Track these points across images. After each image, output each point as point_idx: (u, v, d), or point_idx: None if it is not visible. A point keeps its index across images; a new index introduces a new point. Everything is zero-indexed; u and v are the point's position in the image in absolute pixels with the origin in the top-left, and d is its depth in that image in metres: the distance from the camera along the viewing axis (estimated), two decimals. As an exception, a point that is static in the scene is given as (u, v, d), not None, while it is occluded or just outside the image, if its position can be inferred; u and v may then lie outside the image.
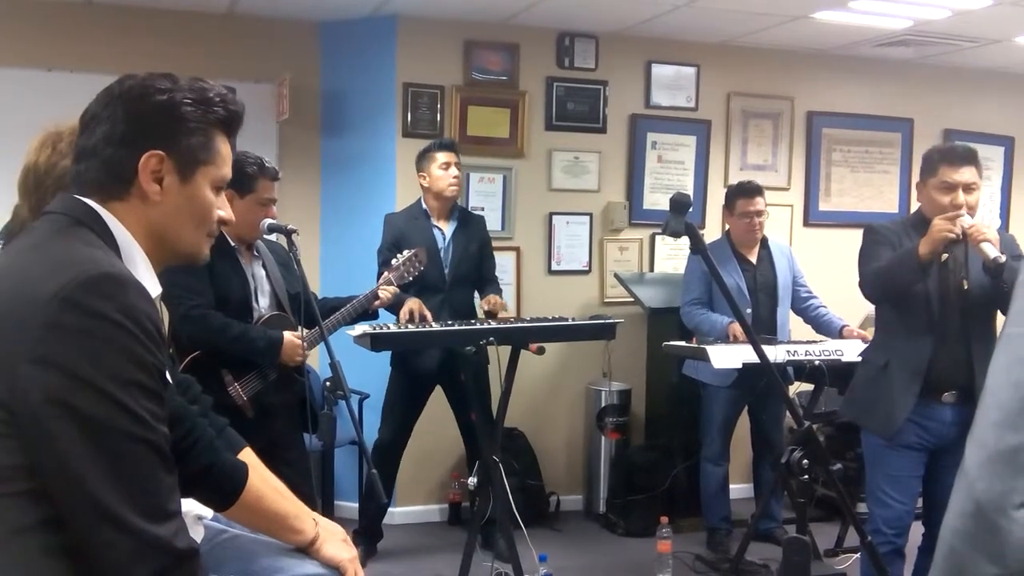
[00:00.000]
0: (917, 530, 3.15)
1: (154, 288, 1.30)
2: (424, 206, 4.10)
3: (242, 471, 1.61)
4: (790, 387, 4.04)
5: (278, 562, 1.67)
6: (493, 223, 4.62)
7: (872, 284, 3.08)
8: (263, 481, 1.66)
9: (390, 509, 4.30)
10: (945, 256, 2.92)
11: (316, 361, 4.04)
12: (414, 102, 4.63)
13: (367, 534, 4.03)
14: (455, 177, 4.02)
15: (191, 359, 2.96)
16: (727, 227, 4.37)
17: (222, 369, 3.01)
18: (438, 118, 4.67)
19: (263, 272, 3.21)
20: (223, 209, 1.39)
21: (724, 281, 2.99)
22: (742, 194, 4.23)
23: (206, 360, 2.97)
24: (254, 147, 4.19)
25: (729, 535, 4.30)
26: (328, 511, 3.02)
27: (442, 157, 3.99)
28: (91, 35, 4.54)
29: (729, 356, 3.68)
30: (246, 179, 3.01)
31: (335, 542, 1.71)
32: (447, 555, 3.95)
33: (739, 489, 4.77)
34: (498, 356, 3.44)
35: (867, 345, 3.49)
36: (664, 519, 4.00)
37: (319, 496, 3.84)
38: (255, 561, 1.65)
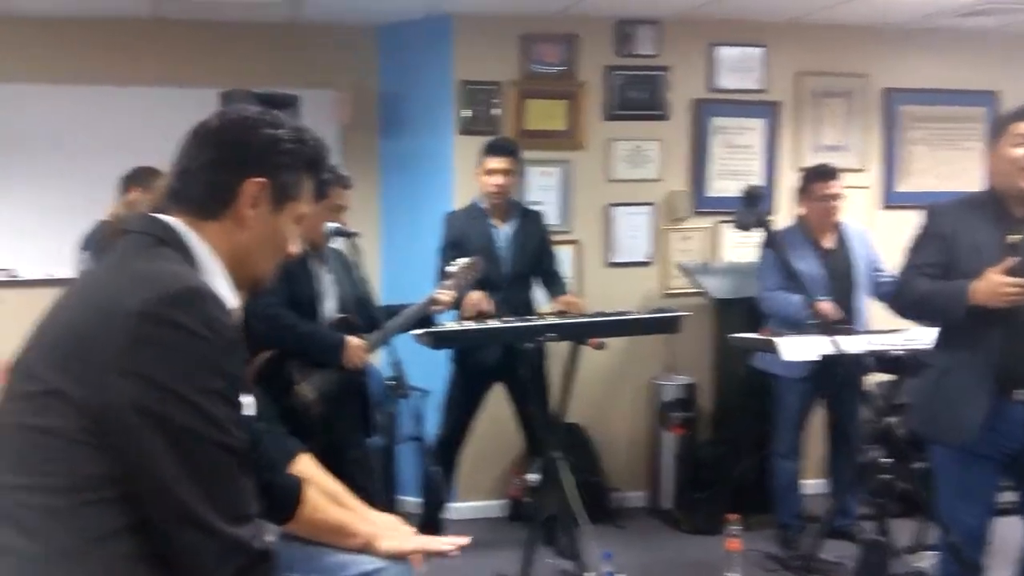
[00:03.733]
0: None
1: (232, 300, 1.43)
2: (481, 204, 4.34)
3: (297, 489, 1.75)
4: (868, 377, 4.06)
5: (342, 559, 1.86)
6: (552, 217, 4.80)
7: (905, 303, 2.97)
8: (318, 493, 1.82)
9: (450, 504, 4.54)
10: (1017, 237, 2.76)
11: (378, 359, 4.31)
12: (471, 99, 4.86)
13: (428, 529, 4.26)
14: (497, 185, 4.20)
15: (261, 358, 3.26)
16: (801, 212, 4.38)
17: (290, 368, 3.32)
18: (495, 114, 4.89)
19: (329, 276, 3.50)
20: (296, 243, 1.60)
21: (798, 269, 2.90)
22: (818, 177, 4.28)
23: (275, 359, 3.29)
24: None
25: (801, 532, 4.31)
26: (391, 507, 3.28)
27: (490, 163, 4.20)
28: (160, 50, 4.97)
29: (800, 348, 3.61)
30: (321, 185, 3.29)
31: (389, 536, 1.85)
32: (508, 551, 4.02)
33: (812, 485, 4.81)
34: (559, 351, 3.58)
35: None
36: (733, 516, 3.90)
37: (385, 493, 4.11)
38: (320, 560, 1.85)
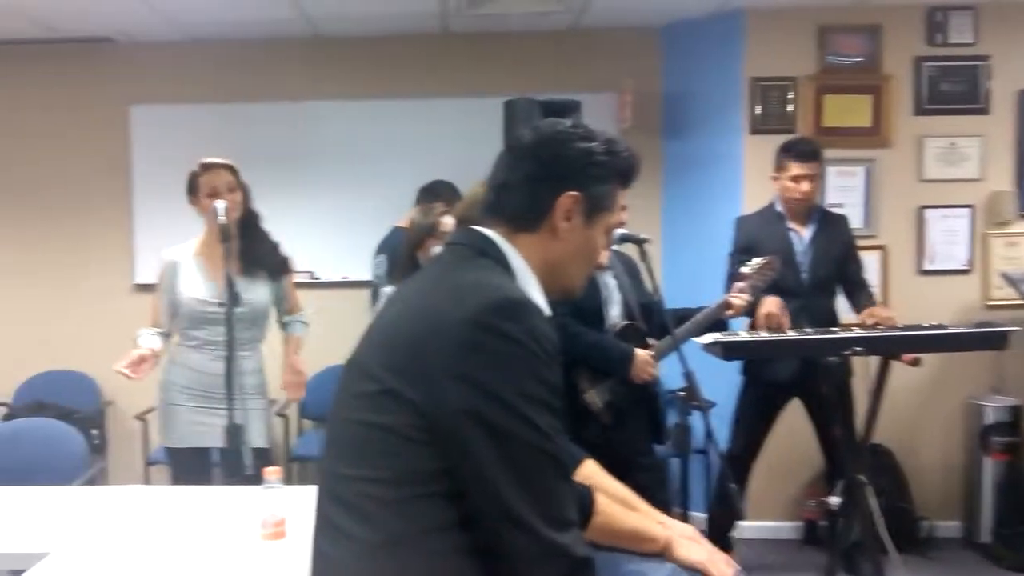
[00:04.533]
0: None
1: (546, 309, 1.48)
2: (778, 208, 4.13)
3: (589, 498, 1.73)
4: None
5: (640, 567, 1.85)
6: (854, 220, 4.53)
7: None
8: (608, 501, 1.81)
9: (739, 523, 4.37)
10: None
11: (666, 369, 4.24)
12: (763, 96, 4.70)
13: (716, 545, 4.14)
14: (804, 192, 3.98)
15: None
16: None
17: (578, 375, 3.30)
18: (789, 111, 4.70)
19: (613, 281, 3.46)
20: (605, 258, 1.62)
21: None
22: None
23: (563, 366, 3.27)
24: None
25: None
26: (685, 520, 3.19)
27: (796, 168, 3.97)
28: (447, 63, 5.23)
29: None
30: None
31: (687, 543, 1.86)
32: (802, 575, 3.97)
33: None
34: (867, 366, 3.38)
35: None
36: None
37: (677, 505, 4.03)
38: (620, 567, 1.83)
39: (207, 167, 3.36)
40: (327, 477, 1.45)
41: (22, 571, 2.31)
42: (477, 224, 1.62)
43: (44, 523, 2.49)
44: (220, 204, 3.17)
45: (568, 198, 1.51)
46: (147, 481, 4.86)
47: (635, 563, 1.87)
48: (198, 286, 3.39)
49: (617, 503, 1.96)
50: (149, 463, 4.84)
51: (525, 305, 1.36)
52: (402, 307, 1.47)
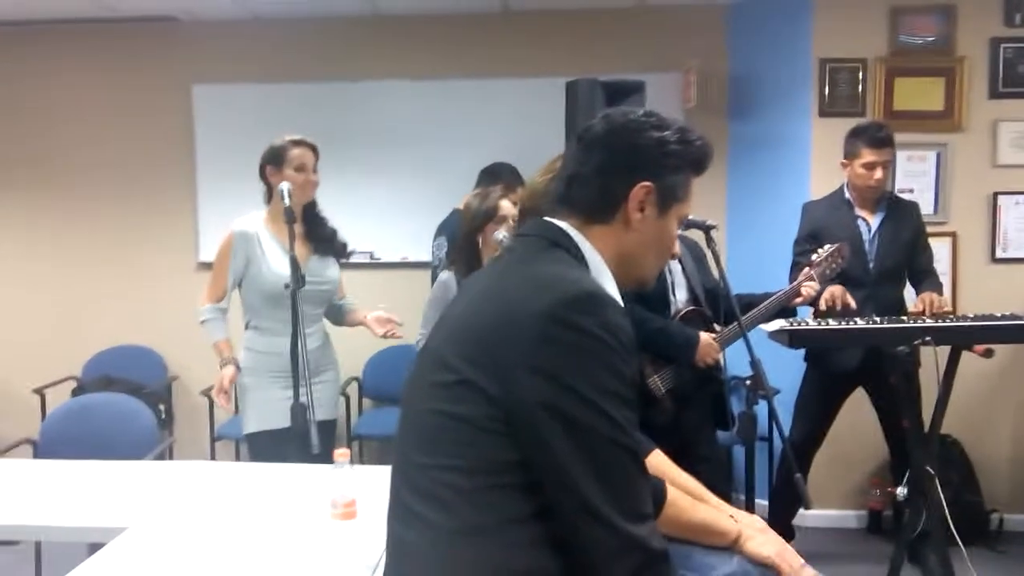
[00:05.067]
0: None
1: (619, 301, 1.46)
2: (847, 194, 4.08)
3: (661, 490, 1.75)
4: None
5: (709, 559, 1.86)
6: (924, 206, 4.44)
7: None
8: (679, 493, 1.84)
9: (801, 511, 4.38)
10: None
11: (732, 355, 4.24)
12: (832, 78, 4.63)
13: (778, 533, 4.14)
14: (877, 180, 3.93)
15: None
16: None
17: (642, 362, 3.32)
18: (859, 93, 4.63)
19: (679, 267, 3.46)
20: (677, 246, 1.63)
21: None
22: None
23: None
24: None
25: None
26: (750, 508, 3.21)
27: (869, 155, 3.91)
28: (509, 42, 5.25)
29: None
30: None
31: (758, 537, 1.88)
32: (866, 566, 3.98)
33: None
34: (936, 356, 3.33)
35: None
36: None
37: (741, 493, 4.03)
38: (691, 559, 1.85)
39: (297, 143, 3.40)
40: (402, 463, 1.47)
41: (100, 544, 2.42)
42: (542, 214, 1.63)
43: (121, 497, 2.58)
44: (285, 186, 3.17)
45: (641, 189, 1.51)
46: (213, 456, 5.00)
47: (704, 555, 1.88)
48: (281, 262, 3.33)
49: (686, 495, 1.99)
50: (215, 439, 4.97)
51: (601, 298, 1.36)
52: (477, 298, 1.48)
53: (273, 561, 2.07)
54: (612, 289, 1.52)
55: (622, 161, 1.53)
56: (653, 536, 1.35)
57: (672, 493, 1.80)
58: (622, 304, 1.51)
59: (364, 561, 2.05)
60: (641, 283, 1.63)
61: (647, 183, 1.51)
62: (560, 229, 1.53)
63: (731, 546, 1.87)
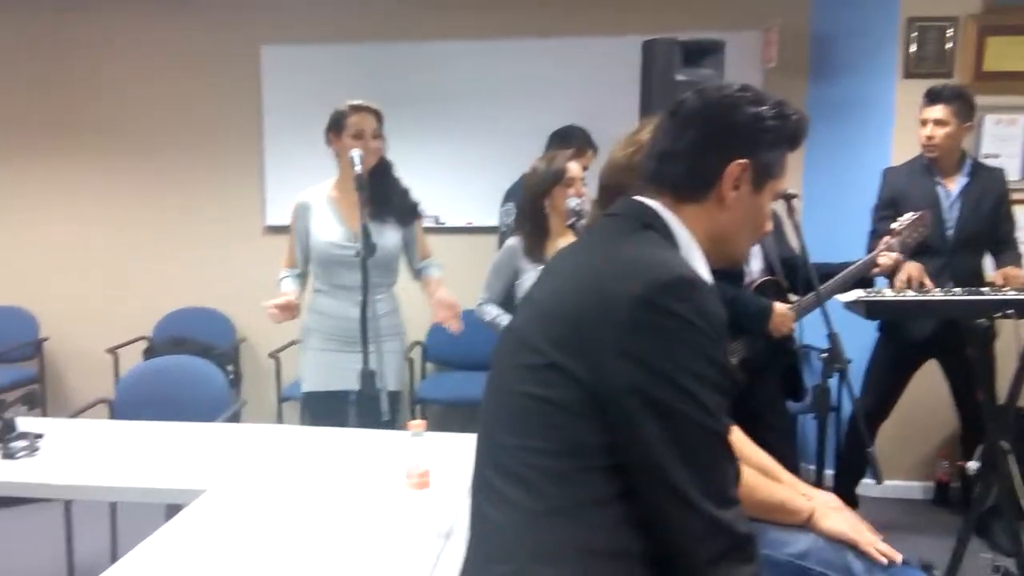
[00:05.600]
0: None
1: (707, 277, 1.47)
2: (925, 160, 4.01)
3: (736, 469, 1.84)
4: None
5: (783, 535, 1.92)
6: (1012, 171, 4.36)
7: None
8: (753, 472, 1.87)
9: (865, 480, 4.35)
10: None
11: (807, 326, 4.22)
12: (920, 38, 4.50)
13: (843, 502, 4.14)
14: (928, 138, 3.87)
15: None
16: None
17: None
18: (947, 52, 4.50)
19: (754, 235, 3.43)
20: (770, 223, 1.61)
21: None
22: None
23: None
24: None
25: None
26: (819, 478, 3.22)
27: (927, 112, 3.87)
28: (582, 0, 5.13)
29: None
30: None
31: (832, 515, 1.93)
32: (931, 538, 3.97)
33: None
34: (1017, 329, 3.30)
35: None
36: None
37: (810, 463, 4.03)
38: (765, 534, 1.90)
39: (357, 108, 3.41)
40: (488, 442, 1.50)
41: (179, 505, 2.52)
42: (624, 190, 1.62)
43: (197, 460, 2.67)
44: (356, 153, 3.20)
45: (737, 166, 1.49)
46: (279, 417, 5.13)
47: (779, 532, 1.93)
48: (332, 229, 3.48)
49: (760, 472, 2.02)
50: (282, 399, 5.10)
51: (694, 283, 1.35)
52: (565, 279, 1.48)
53: (349, 527, 2.13)
54: (702, 269, 1.50)
55: (718, 138, 1.51)
56: (739, 520, 1.36)
57: (747, 472, 1.82)
58: (711, 281, 1.50)
59: (437, 528, 2.11)
60: (733, 261, 1.62)
61: (743, 160, 1.49)
62: (651, 209, 1.52)
63: (805, 524, 1.93)
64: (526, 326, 1.47)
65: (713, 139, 1.51)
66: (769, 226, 1.61)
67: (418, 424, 2.30)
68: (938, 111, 3.87)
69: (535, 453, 1.37)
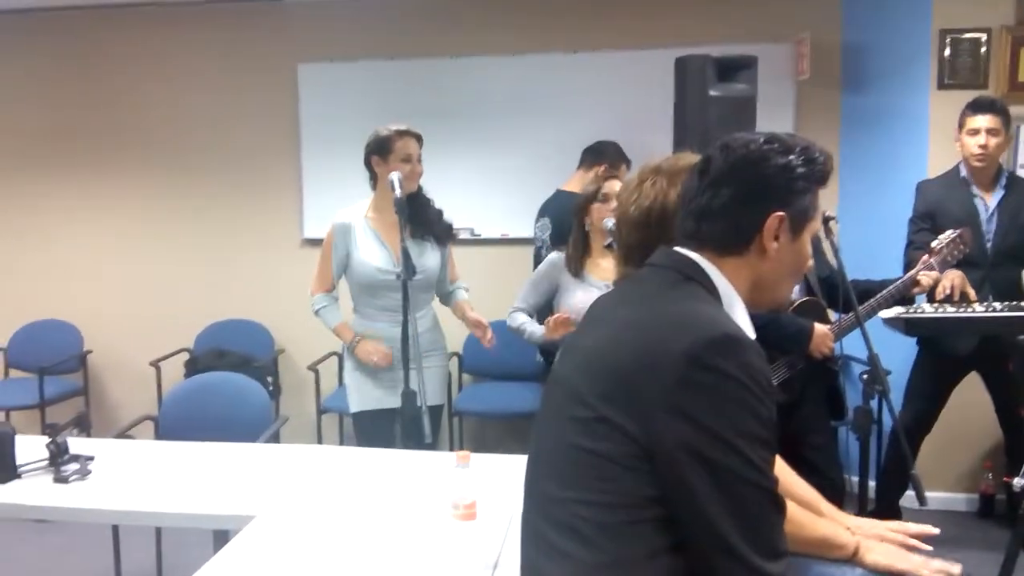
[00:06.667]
0: None
1: (751, 332, 1.48)
2: (963, 173, 3.94)
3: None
4: None
5: (829, 570, 1.89)
6: (1047, 183, 4.27)
7: None
8: (796, 507, 1.84)
9: (909, 493, 4.30)
10: None
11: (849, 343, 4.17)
12: (953, 49, 4.42)
13: (885, 516, 4.08)
14: (981, 147, 3.80)
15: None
16: None
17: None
18: (981, 64, 4.41)
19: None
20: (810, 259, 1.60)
21: None
22: None
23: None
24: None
25: None
26: (862, 491, 3.20)
27: (973, 121, 3.81)
28: (615, 14, 5.13)
29: None
30: None
31: (876, 547, 1.90)
32: (977, 551, 3.90)
33: None
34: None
35: None
36: None
37: (853, 475, 3.97)
38: (809, 569, 1.87)
39: (402, 133, 3.42)
40: (537, 493, 1.51)
41: (226, 531, 2.51)
42: (650, 244, 1.65)
43: (244, 483, 2.65)
44: (396, 176, 3.21)
45: (775, 219, 1.50)
46: (319, 430, 5.13)
47: (825, 566, 1.90)
48: (374, 253, 3.48)
49: (802, 506, 1.99)
50: (321, 411, 5.10)
51: (739, 340, 1.37)
52: (612, 333, 1.48)
53: (398, 558, 2.11)
54: (744, 319, 1.52)
55: (752, 194, 1.51)
56: (788, 571, 1.37)
57: (791, 508, 1.79)
58: (753, 333, 1.50)
59: (484, 560, 2.09)
60: (777, 305, 1.64)
61: (780, 212, 1.50)
62: (692, 262, 1.53)
63: (851, 558, 1.90)
64: (573, 377, 1.48)
65: (748, 195, 1.51)
66: (810, 263, 1.61)
67: (464, 456, 2.28)
68: (991, 120, 3.81)
69: (587, 506, 1.38)
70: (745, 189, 1.51)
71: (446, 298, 3.80)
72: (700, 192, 1.55)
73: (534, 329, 3.62)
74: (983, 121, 3.81)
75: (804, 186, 1.52)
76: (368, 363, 3.47)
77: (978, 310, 3.39)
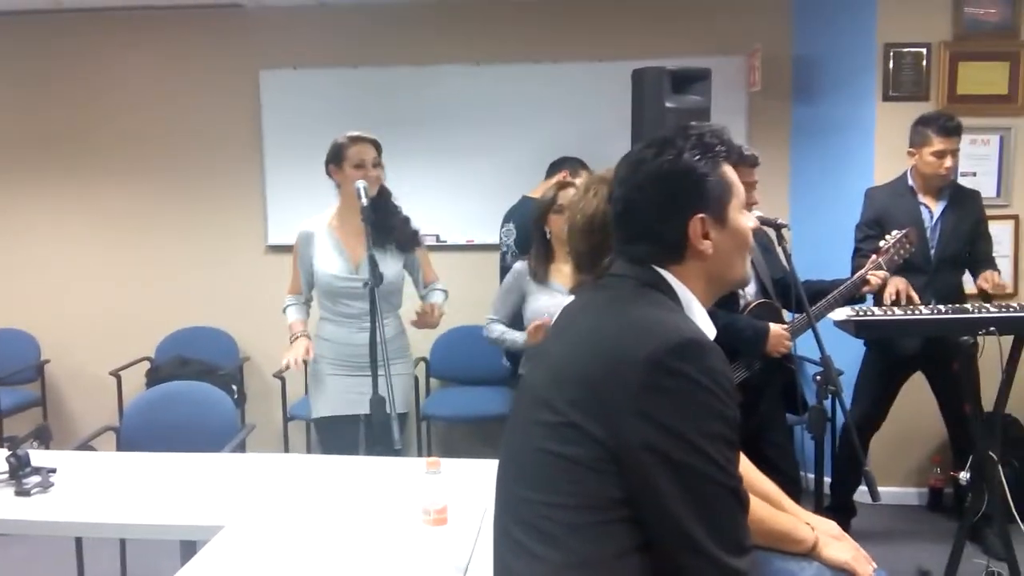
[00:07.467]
0: None
1: (711, 331, 1.52)
2: (910, 181, 4.01)
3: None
4: None
5: (789, 565, 1.92)
6: (987, 189, 4.41)
7: None
8: (759, 502, 1.86)
9: (863, 488, 4.35)
10: None
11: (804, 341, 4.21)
12: (896, 63, 4.51)
13: (840, 511, 4.15)
14: (947, 168, 3.88)
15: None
16: None
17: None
18: (923, 77, 4.51)
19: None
20: (751, 222, 1.59)
21: None
22: None
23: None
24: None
25: None
26: (818, 487, 3.23)
27: (940, 143, 3.86)
28: (574, 27, 5.16)
29: None
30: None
31: (833, 544, 1.94)
32: (927, 543, 3.97)
33: None
34: (999, 344, 3.30)
35: None
36: None
37: (809, 472, 4.01)
38: (770, 564, 1.89)
39: (356, 139, 3.38)
40: (507, 496, 1.52)
41: (193, 542, 2.46)
42: (602, 249, 1.70)
43: (210, 493, 2.59)
44: (361, 184, 3.19)
45: (696, 222, 1.50)
46: (286, 438, 5.06)
47: (783, 561, 1.93)
48: (332, 261, 3.45)
49: (763, 500, 2.01)
50: (287, 419, 5.03)
51: (702, 344, 1.39)
52: (577, 340, 1.50)
53: (369, 564, 2.08)
54: (705, 321, 1.54)
55: (664, 210, 1.52)
56: (753, 567, 1.39)
57: (753, 502, 1.79)
58: (713, 331, 1.54)
59: (455, 563, 2.07)
60: (740, 284, 1.66)
61: (699, 215, 1.50)
62: (652, 271, 1.54)
63: (809, 553, 1.93)
64: (542, 384, 1.49)
65: (661, 213, 1.52)
66: (751, 224, 1.59)
67: (433, 462, 2.26)
68: (957, 142, 3.89)
69: (557, 508, 1.39)
70: (655, 210, 1.52)
71: (423, 300, 3.73)
72: (617, 225, 1.57)
73: (515, 336, 3.63)
74: (952, 143, 3.88)
75: (713, 179, 1.52)
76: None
77: (924, 312, 3.46)
